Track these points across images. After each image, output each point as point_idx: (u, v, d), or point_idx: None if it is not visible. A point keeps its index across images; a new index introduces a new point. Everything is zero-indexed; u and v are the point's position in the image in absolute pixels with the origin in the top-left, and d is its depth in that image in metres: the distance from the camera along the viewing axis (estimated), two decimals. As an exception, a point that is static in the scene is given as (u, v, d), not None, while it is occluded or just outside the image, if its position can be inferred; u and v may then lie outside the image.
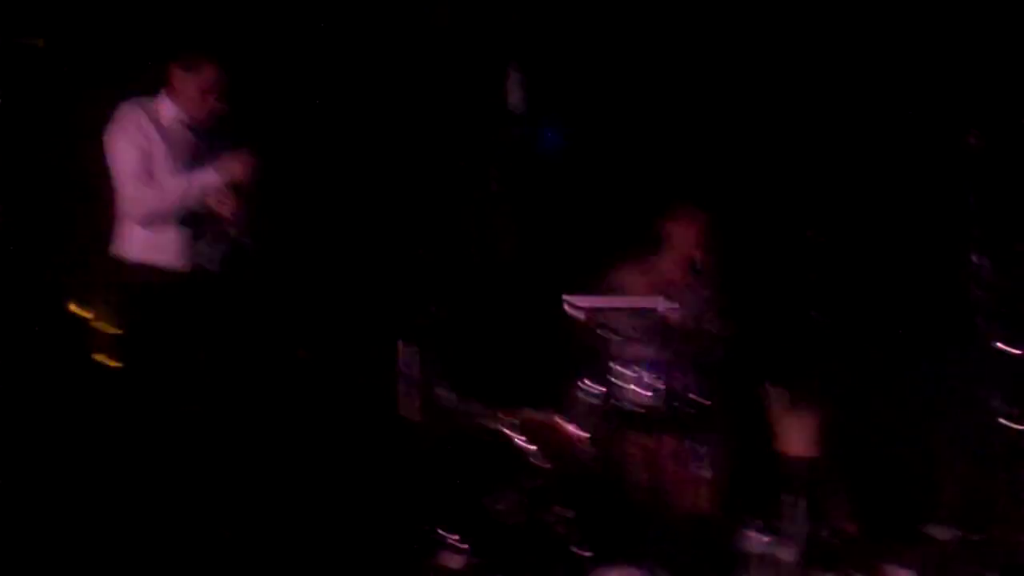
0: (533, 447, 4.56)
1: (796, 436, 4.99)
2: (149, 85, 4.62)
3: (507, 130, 5.59)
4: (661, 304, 4.93)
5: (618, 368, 4.77)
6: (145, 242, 4.48)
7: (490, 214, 5.52)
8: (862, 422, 5.26)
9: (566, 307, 4.81)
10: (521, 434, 4.59)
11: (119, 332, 4.52)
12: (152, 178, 4.44)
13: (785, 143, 5.81)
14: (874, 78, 5.68)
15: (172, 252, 4.49)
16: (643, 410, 4.77)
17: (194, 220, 4.50)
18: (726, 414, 5.00)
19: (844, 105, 5.72)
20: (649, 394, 4.77)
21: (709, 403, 4.86)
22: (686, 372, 4.87)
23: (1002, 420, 4.71)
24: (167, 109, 4.56)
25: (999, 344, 4.74)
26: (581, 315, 4.83)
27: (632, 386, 4.76)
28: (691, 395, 4.83)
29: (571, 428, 4.70)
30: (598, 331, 4.82)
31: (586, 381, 4.75)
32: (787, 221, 5.64)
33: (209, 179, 4.48)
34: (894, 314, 5.57)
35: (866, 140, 5.70)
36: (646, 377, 4.77)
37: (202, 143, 4.59)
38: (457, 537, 4.45)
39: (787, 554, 4.47)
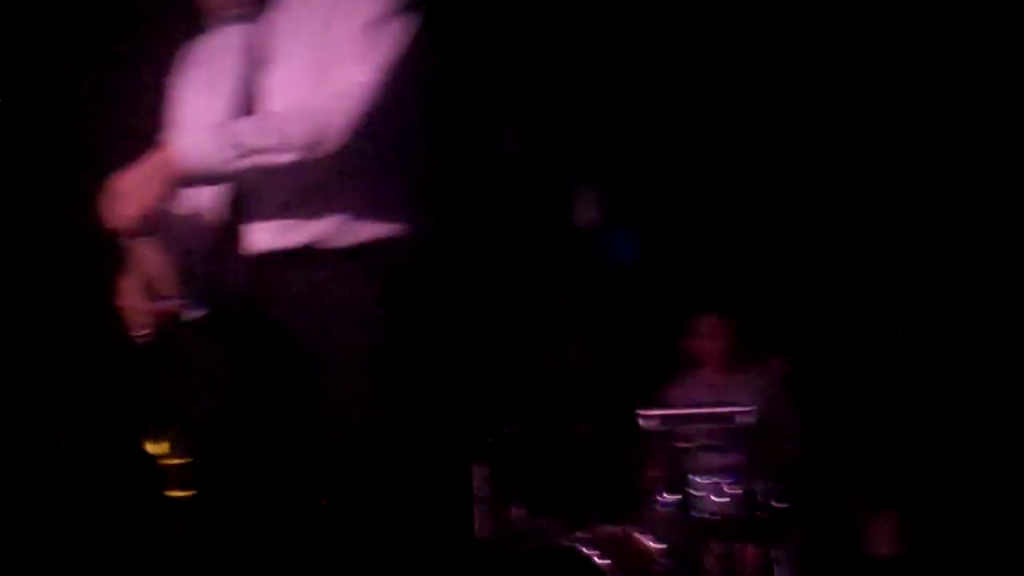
0: (608, 562, 4.55)
1: (884, 537, 4.91)
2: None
3: (578, 241, 5.67)
4: (737, 409, 4.93)
5: (694, 477, 4.77)
6: None
7: (561, 327, 5.60)
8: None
9: (640, 421, 4.85)
10: (596, 549, 4.55)
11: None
12: None
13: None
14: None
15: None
16: (721, 518, 4.73)
17: None
18: (807, 518, 4.94)
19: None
20: (727, 501, 4.75)
21: (789, 507, 4.82)
22: (764, 476, 4.85)
23: None
24: None
25: None
26: (655, 426, 4.86)
27: (709, 495, 4.75)
28: (771, 500, 4.78)
29: (647, 541, 4.69)
30: (673, 442, 4.85)
31: (661, 492, 4.76)
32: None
33: None
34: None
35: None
36: (723, 485, 4.76)
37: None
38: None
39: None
